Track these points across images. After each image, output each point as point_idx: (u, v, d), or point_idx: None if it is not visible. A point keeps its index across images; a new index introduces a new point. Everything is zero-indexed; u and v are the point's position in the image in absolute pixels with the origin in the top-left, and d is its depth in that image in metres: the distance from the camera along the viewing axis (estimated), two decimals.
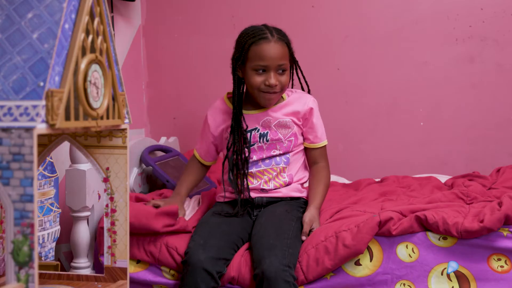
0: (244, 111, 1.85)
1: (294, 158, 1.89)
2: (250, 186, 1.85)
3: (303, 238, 1.70)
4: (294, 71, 1.89)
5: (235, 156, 1.82)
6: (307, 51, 2.70)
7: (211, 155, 1.99)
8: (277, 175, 1.86)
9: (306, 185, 1.94)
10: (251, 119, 1.86)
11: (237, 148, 1.82)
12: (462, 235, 1.59)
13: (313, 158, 1.92)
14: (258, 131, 1.86)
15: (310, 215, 1.75)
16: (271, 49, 1.77)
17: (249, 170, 1.85)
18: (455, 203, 1.82)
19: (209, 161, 2.00)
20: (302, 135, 1.91)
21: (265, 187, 1.85)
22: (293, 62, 1.87)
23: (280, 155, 1.86)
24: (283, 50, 1.80)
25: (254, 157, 1.85)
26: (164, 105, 2.84)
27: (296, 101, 1.89)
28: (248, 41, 1.79)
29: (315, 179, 1.88)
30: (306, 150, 1.93)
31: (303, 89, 1.95)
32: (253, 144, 1.85)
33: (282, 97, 1.90)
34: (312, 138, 1.90)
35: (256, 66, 1.78)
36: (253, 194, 1.85)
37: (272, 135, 1.85)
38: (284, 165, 1.87)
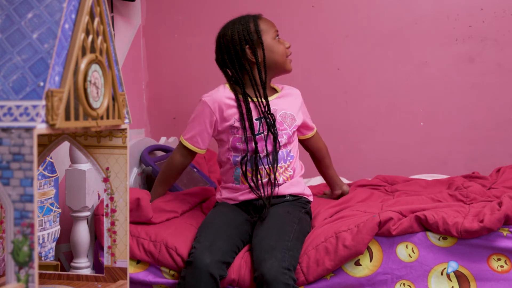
0: (250, 98, 1.83)
1: (295, 151, 1.92)
2: (263, 180, 1.83)
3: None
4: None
5: (247, 150, 1.80)
6: (307, 51, 2.70)
7: (205, 144, 1.90)
8: (284, 170, 1.87)
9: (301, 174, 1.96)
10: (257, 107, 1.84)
11: (246, 139, 1.80)
12: (462, 235, 1.59)
13: (316, 144, 2.07)
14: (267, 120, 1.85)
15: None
16: (268, 19, 1.93)
17: (260, 166, 1.81)
18: (455, 203, 1.82)
19: (203, 149, 1.92)
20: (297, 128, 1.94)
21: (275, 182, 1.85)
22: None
23: (285, 145, 1.86)
24: None
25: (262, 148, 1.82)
26: (164, 105, 2.84)
27: (290, 94, 1.95)
28: (250, 19, 1.88)
29: (328, 159, 2.11)
30: (306, 141, 2.03)
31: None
32: (262, 133, 1.83)
33: (275, 89, 1.94)
34: (311, 124, 2.02)
35: (274, 33, 1.89)
36: (255, 196, 1.83)
37: (279, 124, 1.86)
38: (290, 161, 1.88)
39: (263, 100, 1.83)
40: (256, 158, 1.80)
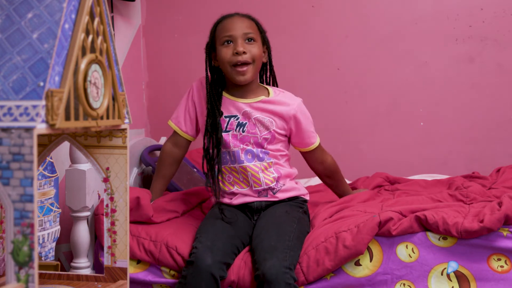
0: (228, 95, 1.83)
1: (277, 154, 1.85)
2: (242, 191, 1.82)
3: None
4: (268, 66, 1.89)
5: (210, 144, 1.78)
6: (307, 51, 2.70)
7: (187, 127, 1.90)
8: (264, 170, 1.83)
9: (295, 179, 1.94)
10: (233, 105, 1.82)
11: (212, 135, 1.78)
12: (462, 235, 1.59)
13: (318, 157, 1.94)
14: (237, 119, 1.81)
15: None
16: (234, 20, 1.80)
17: (232, 165, 1.81)
18: (455, 203, 1.83)
19: (184, 132, 1.91)
20: (290, 139, 1.89)
21: (257, 187, 1.82)
22: (266, 45, 1.86)
23: (259, 145, 1.81)
24: (249, 23, 1.82)
25: (232, 145, 1.80)
26: (164, 105, 2.84)
27: (282, 103, 1.83)
28: (215, 24, 1.83)
29: (338, 175, 2.01)
30: (307, 153, 1.93)
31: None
32: (229, 131, 1.80)
33: (268, 91, 1.86)
34: (308, 140, 1.89)
35: (222, 38, 1.77)
36: (250, 199, 1.83)
37: (250, 127, 1.81)
38: (268, 161, 1.83)
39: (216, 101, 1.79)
40: (213, 157, 1.78)
